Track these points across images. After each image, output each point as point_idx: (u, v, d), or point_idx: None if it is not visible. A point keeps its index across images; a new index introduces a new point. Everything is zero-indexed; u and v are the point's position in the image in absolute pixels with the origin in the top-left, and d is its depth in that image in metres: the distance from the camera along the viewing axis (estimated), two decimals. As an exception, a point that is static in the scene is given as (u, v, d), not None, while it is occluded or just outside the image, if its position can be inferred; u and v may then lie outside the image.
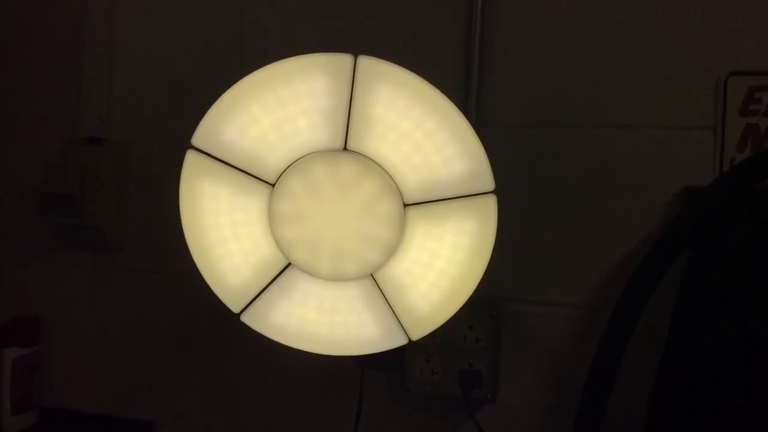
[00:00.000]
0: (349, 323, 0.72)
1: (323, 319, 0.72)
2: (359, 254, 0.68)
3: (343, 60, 0.65)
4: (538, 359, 0.99)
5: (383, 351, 0.72)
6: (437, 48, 1.03)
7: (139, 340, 1.17)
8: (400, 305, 0.70)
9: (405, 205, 0.67)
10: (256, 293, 0.72)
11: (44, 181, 1.14)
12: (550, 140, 0.98)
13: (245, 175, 0.68)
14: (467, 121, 0.66)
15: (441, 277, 0.69)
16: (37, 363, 1.18)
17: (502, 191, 0.67)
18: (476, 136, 0.66)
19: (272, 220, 0.68)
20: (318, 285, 0.71)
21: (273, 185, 0.68)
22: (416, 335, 0.71)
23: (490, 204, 0.67)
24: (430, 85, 0.65)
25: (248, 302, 0.72)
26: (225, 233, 0.70)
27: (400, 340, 0.71)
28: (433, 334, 0.72)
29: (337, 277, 0.69)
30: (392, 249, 0.68)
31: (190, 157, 0.69)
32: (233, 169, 0.68)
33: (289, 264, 0.71)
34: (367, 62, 0.65)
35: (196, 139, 0.68)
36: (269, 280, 0.71)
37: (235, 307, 0.72)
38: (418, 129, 0.66)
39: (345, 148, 0.67)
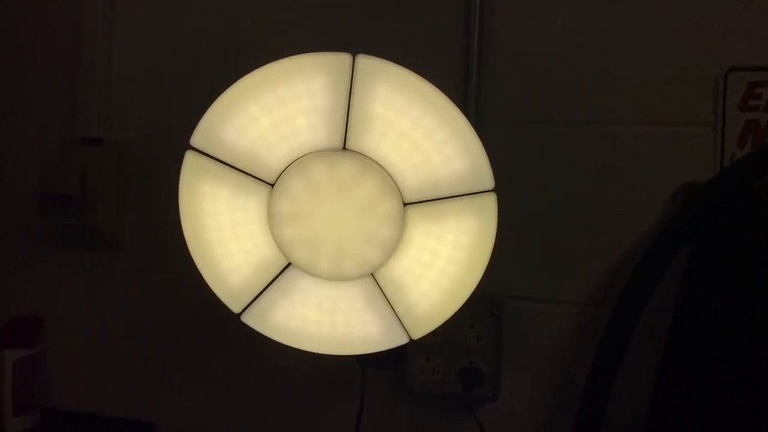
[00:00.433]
0: (350, 322, 0.72)
1: (324, 318, 0.72)
2: (359, 253, 0.68)
3: (342, 59, 0.65)
4: (540, 357, 0.99)
5: (384, 350, 0.72)
6: (436, 46, 1.02)
7: (139, 340, 1.17)
8: (401, 304, 0.70)
9: (405, 204, 0.67)
10: (257, 293, 0.72)
11: (43, 181, 1.13)
12: (549, 138, 0.98)
13: (244, 175, 0.68)
14: (466, 119, 0.66)
15: (441, 276, 0.69)
16: (38, 364, 1.18)
17: (502, 189, 0.67)
18: (476, 134, 0.66)
19: (272, 219, 0.68)
20: (318, 284, 0.71)
21: (272, 185, 0.68)
22: (417, 334, 0.71)
23: (490, 202, 0.67)
24: (429, 83, 0.65)
25: (249, 302, 0.72)
26: (225, 233, 0.70)
27: (401, 339, 0.71)
28: (434, 333, 0.72)
29: (337, 277, 0.69)
30: (392, 248, 0.68)
31: (189, 157, 0.69)
32: (232, 169, 0.68)
33: (290, 264, 0.70)
34: (365, 61, 0.65)
35: (195, 140, 0.68)
36: (269, 280, 0.71)
37: (235, 308, 0.72)
38: (417, 127, 0.66)
39: (344, 148, 0.67)
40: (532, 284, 0.99)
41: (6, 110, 1.25)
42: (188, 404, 1.15)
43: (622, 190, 0.95)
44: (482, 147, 0.66)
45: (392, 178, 0.67)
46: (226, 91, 0.67)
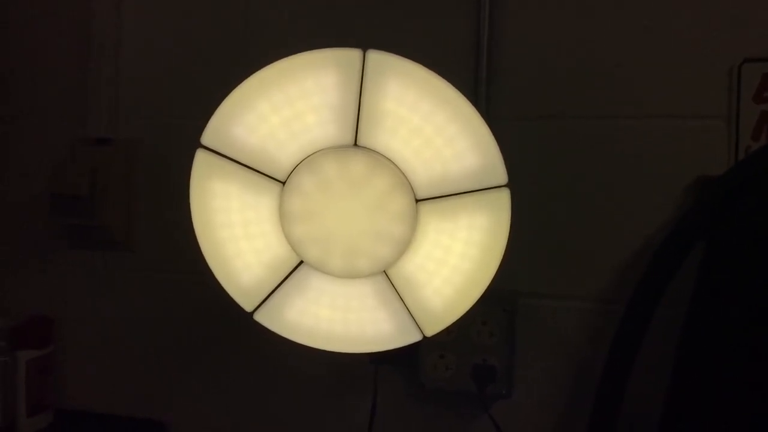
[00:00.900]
0: (363, 320, 0.71)
1: (337, 316, 0.72)
2: (371, 251, 0.67)
3: (352, 55, 0.64)
4: (553, 353, 0.99)
5: (397, 347, 0.72)
6: (446, 40, 1.02)
7: (151, 339, 1.17)
8: (414, 301, 0.70)
9: (417, 201, 0.67)
10: (269, 292, 0.71)
11: (54, 182, 1.14)
12: (561, 132, 0.97)
13: (255, 173, 0.68)
14: (478, 113, 0.65)
15: (454, 273, 0.69)
16: (51, 364, 1.18)
17: (515, 184, 0.66)
18: (488, 128, 0.65)
19: (283, 217, 0.68)
20: (331, 282, 0.70)
21: (283, 183, 0.67)
22: (430, 331, 0.71)
23: (503, 198, 0.66)
24: (440, 78, 0.64)
25: (261, 301, 0.71)
26: (236, 232, 0.70)
27: (414, 337, 0.71)
28: (447, 330, 0.71)
29: (349, 274, 0.69)
30: (405, 245, 0.67)
31: (200, 156, 0.68)
32: (243, 167, 0.68)
33: (302, 262, 0.70)
34: (376, 57, 0.64)
35: (206, 138, 0.68)
36: (282, 279, 0.71)
37: (248, 306, 0.72)
38: (428, 123, 0.65)
39: (355, 144, 0.66)
40: (546, 280, 0.99)
41: (16, 111, 1.25)
42: (199, 403, 1.15)
43: (635, 185, 0.95)
44: (495, 142, 0.65)
45: (404, 175, 0.66)
46: (236, 89, 0.67)
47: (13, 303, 1.23)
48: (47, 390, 1.18)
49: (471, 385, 0.96)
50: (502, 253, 0.68)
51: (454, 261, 0.68)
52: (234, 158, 0.68)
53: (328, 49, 0.65)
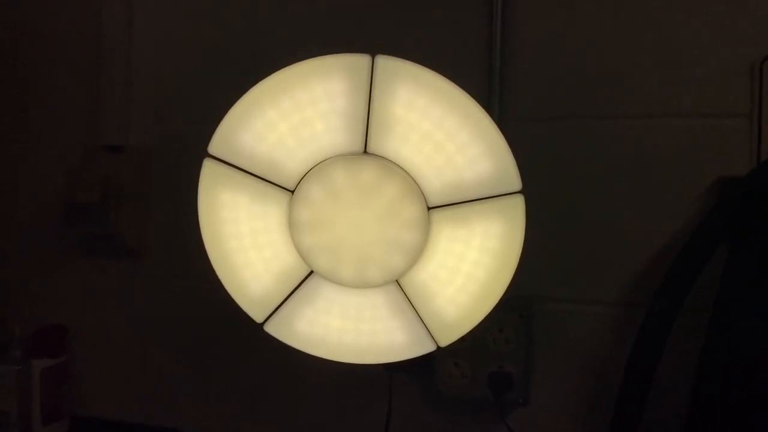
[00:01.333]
0: (376, 330, 0.70)
1: (348, 326, 0.70)
2: (383, 260, 0.66)
3: (361, 60, 0.63)
4: (571, 359, 0.97)
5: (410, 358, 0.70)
6: (457, 45, 1.00)
7: (164, 347, 1.17)
8: (427, 311, 0.68)
9: (429, 208, 0.65)
10: (279, 302, 0.70)
11: (67, 190, 1.14)
12: (577, 133, 0.96)
13: (264, 182, 0.67)
14: (490, 118, 0.63)
15: (468, 281, 0.67)
16: (66, 372, 1.19)
17: (529, 188, 0.64)
18: (500, 133, 0.63)
19: (292, 227, 0.66)
20: (342, 292, 0.69)
21: (292, 192, 0.66)
22: (444, 341, 0.69)
23: (517, 205, 0.64)
24: (451, 83, 0.63)
25: (271, 312, 0.70)
26: (245, 242, 0.69)
27: (428, 347, 0.69)
28: (462, 338, 0.70)
29: (361, 284, 0.68)
30: (417, 254, 0.66)
31: (207, 165, 0.67)
32: (251, 176, 0.67)
33: (312, 271, 0.69)
34: (385, 62, 0.63)
35: (213, 147, 0.67)
36: (292, 289, 0.70)
37: (258, 317, 0.70)
38: (439, 129, 0.63)
39: (365, 151, 0.65)
40: (562, 284, 0.97)
41: (28, 120, 1.25)
42: (213, 411, 1.15)
43: (655, 186, 0.92)
44: (508, 147, 0.63)
45: (415, 182, 0.65)
46: (243, 96, 0.65)
47: (27, 311, 1.23)
48: (62, 398, 1.18)
49: (487, 392, 0.94)
50: (517, 261, 0.66)
51: (468, 269, 0.67)
52: (242, 167, 0.67)
53: (336, 54, 0.63)
